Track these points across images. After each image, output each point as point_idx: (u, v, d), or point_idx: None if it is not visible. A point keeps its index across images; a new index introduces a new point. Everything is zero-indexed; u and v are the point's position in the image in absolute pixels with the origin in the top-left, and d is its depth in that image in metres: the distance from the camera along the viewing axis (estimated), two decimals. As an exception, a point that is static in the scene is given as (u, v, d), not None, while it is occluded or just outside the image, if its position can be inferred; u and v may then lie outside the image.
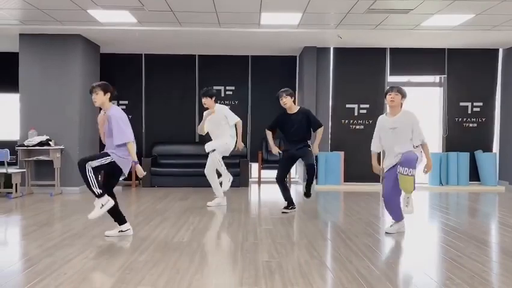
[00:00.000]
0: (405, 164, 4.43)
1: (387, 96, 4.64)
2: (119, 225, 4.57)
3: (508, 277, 3.41)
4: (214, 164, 6.23)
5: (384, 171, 4.77)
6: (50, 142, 7.52)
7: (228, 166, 6.42)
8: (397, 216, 4.75)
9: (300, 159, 6.07)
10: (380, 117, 4.90)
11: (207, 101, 6.19)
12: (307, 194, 5.93)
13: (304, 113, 5.97)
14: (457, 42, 8.44)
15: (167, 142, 9.37)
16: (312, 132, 6.01)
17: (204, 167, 6.38)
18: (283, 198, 6.08)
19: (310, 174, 5.79)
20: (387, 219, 5.17)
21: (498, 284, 3.29)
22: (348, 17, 6.74)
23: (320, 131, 5.93)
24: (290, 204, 6.05)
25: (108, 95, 4.38)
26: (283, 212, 5.96)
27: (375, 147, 4.92)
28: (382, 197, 4.81)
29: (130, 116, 9.86)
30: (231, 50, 9.15)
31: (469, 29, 7.40)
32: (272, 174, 9.61)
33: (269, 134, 6.13)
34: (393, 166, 4.63)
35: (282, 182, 6.09)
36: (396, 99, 4.59)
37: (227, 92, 9.58)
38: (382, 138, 4.76)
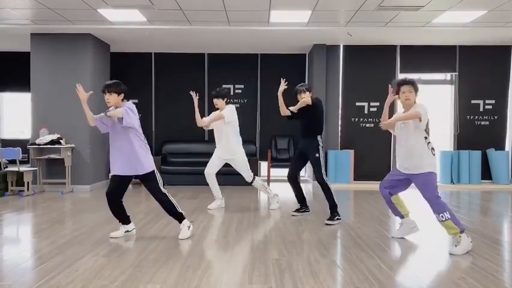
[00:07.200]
0: (435, 209, 4.06)
1: (401, 95, 4.17)
2: (124, 224, 4.56)
3: (522, 277, 3.36)
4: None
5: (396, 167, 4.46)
6: (61, 141, 7.58)
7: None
8: (396, 213, 4.55)
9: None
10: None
11: (218, 102, 5.92)
12: (331, 217, 5.25)
13: (315, 102, 5.39)
14: (469, 39, 8.35)
15: (177, 140, 9.40)
16: (320, 126, 5.44)
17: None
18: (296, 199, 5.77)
19: (325, 192, 5.29)
20: (398, 218, 5.11)
21: (511, 283, 3.24)
22: (358, 14, 6.70)
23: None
24: (302, 206, 5.77)
25: (122, 95, 4.27)
26: (292, 215, 5.67)
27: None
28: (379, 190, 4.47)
29: (140, 115, 9.87)
30: (240, 49, 9.15)
31: (481, 25, 7.31)
32: (281, 172, 9.62)
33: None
34: (403, 173, 4.28)
35: (293, 180, 5.68)
36: (411, 97, 4.13)
37: (236, 91, 9.57)
38: (396, 134, 4.39)
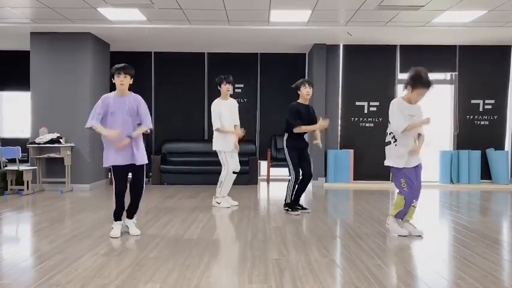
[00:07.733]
0: (419, 196, 4.53)
1: (417, 95, 4.38)
2: (118, 221, 4.54)
3: (521, 277, 3.37)
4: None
5: (403, 166, 4.40)
6: (60, 140, 7.58)
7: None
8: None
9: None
10: (398, 100, 4.50)
11: (231, 88, 6.21)
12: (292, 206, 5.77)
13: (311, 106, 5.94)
14: (469, 38, 8.35)
15: (177, 140, 9.39)
16: None
17: (213, 165, 6.30)
18: (292, 196, 5.75)
19: (306, 184, 5.78)
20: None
21: (511, 283, 3.24)
22: (358, 13, 6.69)
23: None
24: (293, 206, 5.80)
25: (132, 80, 4.44)
26: (297, 214, 5.71)
27: (403, 124, 4.31)
28: (408, 195, 4.45)
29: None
30: (240, 48, 9.14)
31: (481, 25, 7.31)
32: (281, 172, 9.62)
33: (300, 127, 5.60)
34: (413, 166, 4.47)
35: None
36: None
37: (236, 90, 9.56)
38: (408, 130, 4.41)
